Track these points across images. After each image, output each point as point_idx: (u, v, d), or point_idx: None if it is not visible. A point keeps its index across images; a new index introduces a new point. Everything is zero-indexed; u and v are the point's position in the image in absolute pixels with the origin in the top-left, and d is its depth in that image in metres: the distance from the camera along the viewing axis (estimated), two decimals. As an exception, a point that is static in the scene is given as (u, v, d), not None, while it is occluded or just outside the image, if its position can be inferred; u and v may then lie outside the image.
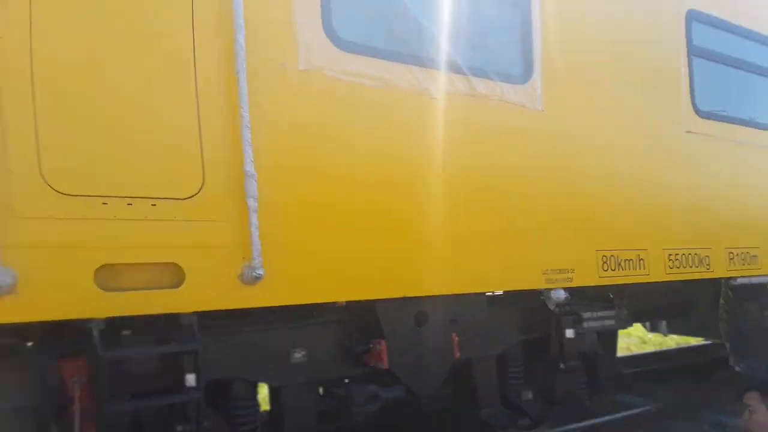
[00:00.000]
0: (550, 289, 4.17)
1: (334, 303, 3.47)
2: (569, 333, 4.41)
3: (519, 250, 3.94)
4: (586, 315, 4.63)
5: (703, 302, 5.91)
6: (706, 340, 6.91)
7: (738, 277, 5.30)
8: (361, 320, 3.63)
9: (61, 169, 2.50)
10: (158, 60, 2.74)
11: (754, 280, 5.45)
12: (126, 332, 2.83)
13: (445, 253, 3.61)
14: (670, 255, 4.72)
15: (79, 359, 2.78)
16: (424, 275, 3.55)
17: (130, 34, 2.68)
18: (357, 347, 3.63)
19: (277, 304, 3.08)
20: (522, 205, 3.97)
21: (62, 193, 2.50)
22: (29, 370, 2.76)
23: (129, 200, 2.63)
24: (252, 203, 2.88)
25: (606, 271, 4.33)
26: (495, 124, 3.88)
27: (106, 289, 2.59)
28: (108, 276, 2.61)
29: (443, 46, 3.69)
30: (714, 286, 5.60)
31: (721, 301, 5.81)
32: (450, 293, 3.74)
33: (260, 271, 2.88)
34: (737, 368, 5.95)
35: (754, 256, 5.36)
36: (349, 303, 3.49)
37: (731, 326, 5.84)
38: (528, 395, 4.50)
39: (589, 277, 4.26)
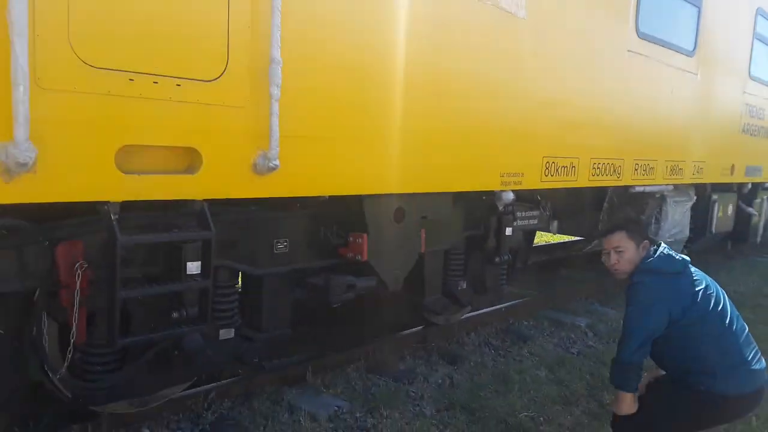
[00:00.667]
0: (502, 191, 4.51)
1: (317, 197, 3.48)
2: (508, 231, 4.85)
3: (482, 154, 4.12)
4: (519, 215, 5.09)
5: (591, 206, 6.68)
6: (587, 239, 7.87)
7: (636, 185, 6.06)
8: (341, 214, 3.69)
9: (90, 37, 2.25)
10: None
11: (647, 189, 6.27)
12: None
13: (422, 155, 3.71)
14: (594, 164, 5.25)
15: (77, 243, 2.59)
16: (405, 174, 3.66)
17: None
18: (336, 239, 3.72)
19: (286, 195, 3.04)
20: (488, 112, 4.14)
21: (89, 65, 2.25)
22: (24, 253, 2.55)
23: (155, 78, 2.41)
24: (275, 91, 2.74)
25: (546, 176, 4.72)
26: (487, 28, 3.95)
27: (124, 171, 2.41)
28: (127, 158, 2.44)
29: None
30: (601, 192, 6.36)
31: (606, 205, 6.59)
32: (424, 192, 3.92)
33: (276, 162, 2.80)
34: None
35: (652, 168, 6.12)
36: (331, 197, 3.52)
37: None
38: (462, 285, 4.94)
39: (534, 181, 4.60)
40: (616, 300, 6.53)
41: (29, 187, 2.18)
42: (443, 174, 3.90)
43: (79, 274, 2.58)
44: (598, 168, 5.26)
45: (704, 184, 7.47)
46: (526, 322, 5.90)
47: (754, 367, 2.87)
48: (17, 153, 2.06)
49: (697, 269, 3.03)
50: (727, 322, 2.88)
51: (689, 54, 6.37)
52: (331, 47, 3.10)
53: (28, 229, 2.56)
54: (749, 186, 8.74)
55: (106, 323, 2.67)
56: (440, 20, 3.68)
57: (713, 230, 7.80)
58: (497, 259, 4.84)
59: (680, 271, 2.96)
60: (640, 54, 5.59)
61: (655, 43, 5.77)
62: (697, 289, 2.88)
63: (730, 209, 8.28)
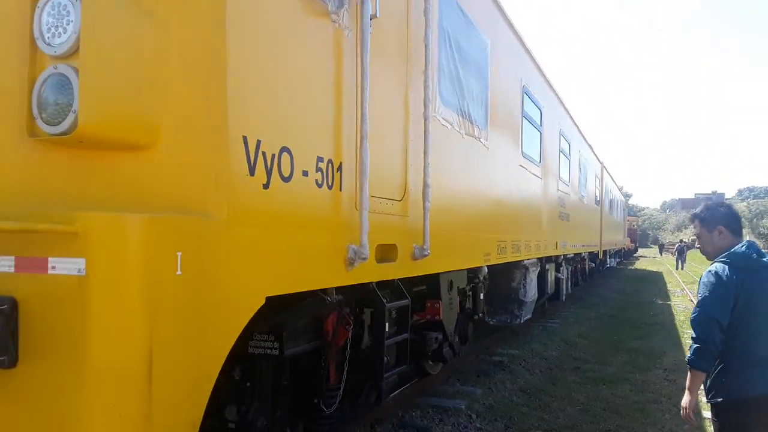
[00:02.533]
0: (482, 266, 6.39)
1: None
2: (481, 295, 6.75)
3: (477, 239, 6.07)
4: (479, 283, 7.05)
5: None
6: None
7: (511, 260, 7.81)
8: (419, 286, 5.29)
9: (379, 185, 3.72)
10: (398, 124, 4.04)
11: (522, 262, 8.61)
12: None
13: (458, 243, 5.49)
14: (500, 246, 7.11)
15: (341, 313, 3.79)
16: (454, 258, 5.39)
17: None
18: (417, 306, 5.31)
19: (431, 272, 4.59)
20: (477, 211, 6.11)
21: (374, 197, 3.59)
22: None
23: (381, 200, 3.75)
24: (427, 205, 4.23)
25: (498, 255, 6.74)
26: (472, 153, 5.92)
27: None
28: (376, 253, 3.66)
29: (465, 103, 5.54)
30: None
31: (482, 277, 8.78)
32: (459, 269, 5.79)
33: (428, 251, 4.20)
34: (491, 322, 9.04)
35: (522, 246, 8.33)
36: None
37: (486, 294, 8.32)
38: (455, 338, 6.61)
39: (494, 259, 6.60)
40: (469, 377, 7.85)
41: (348, 275, 3.33)
42: (465, 255, 5.67)
43: (346, 334, 3.80)
44: (503, 248, 7.40)
45: (541, 257, 10.25)
46: (414, 413, 6.23)
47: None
48: (362, 251, 3.29)
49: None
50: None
51: (538, 164, 9.15)
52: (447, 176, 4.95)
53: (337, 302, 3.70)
54: (561, 257, 11.98)
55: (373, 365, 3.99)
56: (463, 155, 5.52)
57: (548, 291, 10.67)
58: (476, 317, 6.69)
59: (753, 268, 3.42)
60: (522, 167, 8.10)
61: (527, 159, 8.35)
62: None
63: (553, 275, 11.32)
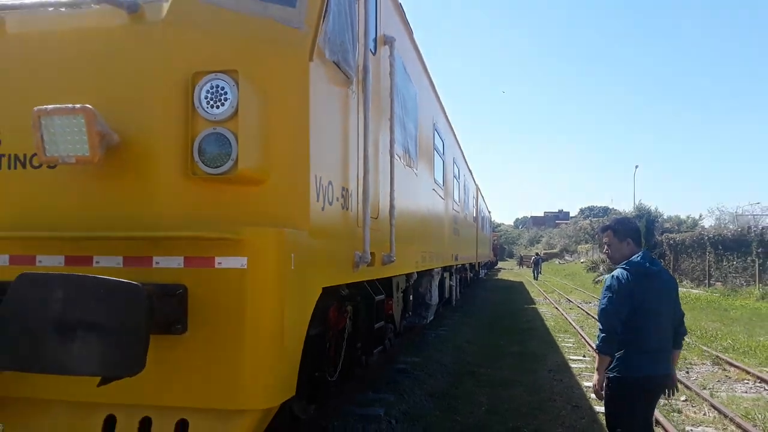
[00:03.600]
0: (413, 272, 7.51)
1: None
2: (410, 296, 7.93)
3: (415, 250, 7.10)
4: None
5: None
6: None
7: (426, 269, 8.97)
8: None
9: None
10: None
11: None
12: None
13: (406, 252, 6.49)
14: (429, 255, 8.00)
15: (340, 304, 4.76)
16: (404, 264, 6.47)
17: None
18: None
19: (392, 275, 6.05)
20: (415, 226, 7.04)
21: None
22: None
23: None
24: (393, 222, 5.37)
25: (422, 263, 7.48)
26: (410, 180, 6.92)
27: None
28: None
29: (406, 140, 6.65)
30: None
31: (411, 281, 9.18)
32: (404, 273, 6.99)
33: (394, 258, 5.29)
34: (404, 322, 9.33)
35: (425, 258, 9.07)
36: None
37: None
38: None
39: (420, 266, 7.67)
40: (380, 385, 8.01)
41: (366, 273, 4.59)
42: (408, 262, 6.69)
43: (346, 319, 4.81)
44: (424, 258, 7.86)
45: (443, 267, 10.80)
46: (336, 422, 6.14)
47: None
48: (366, 256, 4.32)
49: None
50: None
51: (442, 187, 9.94)
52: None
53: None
54: (454, 267, 12.65)
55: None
56: (406, 182, 6.61)
57: (446, 296, 11.24)
58: (407, 314, 7.25)
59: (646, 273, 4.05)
60: (434, 190, 9.10)
61: (437, 183, 9.25)
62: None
63: (448, 282, 11.90)
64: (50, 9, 3.38)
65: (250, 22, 3.40)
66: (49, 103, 3.09)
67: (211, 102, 3.21)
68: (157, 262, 3.13)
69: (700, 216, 39.15)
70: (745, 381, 9.07)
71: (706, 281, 28.00)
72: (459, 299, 16.10)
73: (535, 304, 22.51)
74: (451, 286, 12.52)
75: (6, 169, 3.38)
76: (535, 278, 42.39)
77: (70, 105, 3.03)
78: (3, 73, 3.41)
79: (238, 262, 3.05)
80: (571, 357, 10.87)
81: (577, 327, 15.01)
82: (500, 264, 75.53)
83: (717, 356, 10.66)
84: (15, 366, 2.75)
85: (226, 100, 3.17)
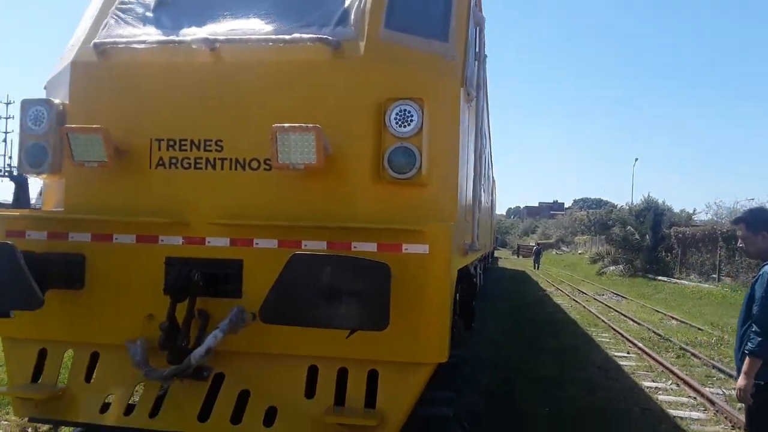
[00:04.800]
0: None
1: None
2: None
3: (483, 243, 7.01)
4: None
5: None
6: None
7: None
8: None
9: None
10: None
11: None
12: None
13: (480, 243, 6.52)
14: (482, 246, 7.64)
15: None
16: (480, 253, 7.08)
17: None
18: None
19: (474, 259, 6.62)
20: (484, 224, 7.15)
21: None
22: None
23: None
24: (476, 215, 5.50)
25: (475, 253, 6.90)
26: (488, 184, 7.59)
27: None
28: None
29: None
30: None
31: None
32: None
33: (477, 246, 5.60)
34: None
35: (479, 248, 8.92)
36: None
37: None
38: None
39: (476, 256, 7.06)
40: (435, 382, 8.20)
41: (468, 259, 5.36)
42: (483, 251, 6.56)
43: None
44: (479, 248, 7.38)
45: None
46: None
47: None
48: (475, 245, 5.11)
49: None
50: None
51: (487, 181, 9.71)
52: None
53: None
54: (482, 255, 12.08)
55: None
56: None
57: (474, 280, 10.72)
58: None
59: None
60: (485, 186, 8.93)
61: (487, 179, 9.18)
62: None
63: (479, 269, 11.27)
64: (263, 42, 4.10)
65: (425, 59, 4.20)
66: (262, 120, 3.92)
67: (400, 122, 3.96)
68: (354, 247, 3.86)
69: (694, 210, 38.77)
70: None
71: (716, 276, 27.63)
72: (483, 284, 15.52)
73: (549, 295, 22.03)
74: (478, 273, 11.96)
75: (228, 170, 4.06)
76: (536, 268, 42.01)
77: (304, 125, 3.76)
78: (219, 92, 4.09)
79: (421, 248, 3.80)
80: (615, 354, 10.33)
81: (607, 320, 14.50)
82: (497, 253, 75.18)
83: None
84: (292, 321, 3.54)
85: (411, 121, 3.95)
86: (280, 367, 3.96)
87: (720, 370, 8.97)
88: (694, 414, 6.75)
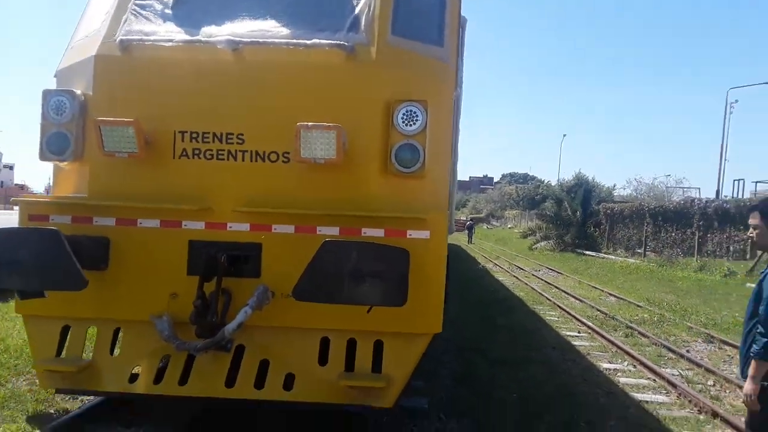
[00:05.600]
0: None
1: None
2: None
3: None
4: None
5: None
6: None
7: None
8: None
9: None
10: None
11: None
12: None
13: None
14: None
15: None
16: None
17: None
18: None
19: None
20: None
21: None
22: None
23: None
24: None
25: None
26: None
27: None
28: None
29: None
30: None
31: None
32: None
33: (453, 228, 5.96)
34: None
35: None
36: None
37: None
38: None
39: None
40: None
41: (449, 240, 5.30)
42: None
43: None
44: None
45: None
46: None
47: None
48: (452, 227, 5.20)
49: None
50: None
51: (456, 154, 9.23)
52: None
53: None
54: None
55: None
56: None
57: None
58: None
59: None
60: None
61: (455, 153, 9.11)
62: None
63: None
64: (281, 44, 4.44)
65: (427, 63, 4.68)
66: (281, 116, 4.31)
67: (406, 121, 4.40)
68: (364, 232, 4.33)
69: (614, 185, 40.97)
70: (750, 361, 8.94)
71: (642, 251, 28.97)
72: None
73: (489, 271, 22.35)
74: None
75: (249, 161, 4.40)
76: (470, 242, 42.81)
77: (325, 124, 4.16)
78: (241, 90, 4.40)
79: (423, 234, 4.33)
80: (567, 333, 10.48)
81: (550, 298, 14.79)
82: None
83: (708, 334, 10.56)
84: (325, 299, 4.00)
85: (417, 120, 4.40)
86: (295, 339, 4.42)
87: (669, 349, 9.24)
88: (659, 397, 6.84)
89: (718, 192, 34.30)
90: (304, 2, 4.70)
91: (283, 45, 4.40)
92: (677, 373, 7.78)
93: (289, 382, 4.35)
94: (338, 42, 4.36)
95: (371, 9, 4.52)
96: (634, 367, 8.21)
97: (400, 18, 4.60)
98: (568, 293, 16.00)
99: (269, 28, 4.50)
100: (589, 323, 11.18)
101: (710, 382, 7.53)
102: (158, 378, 4.36)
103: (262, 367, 4.39)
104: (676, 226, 26.95)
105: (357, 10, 4.54)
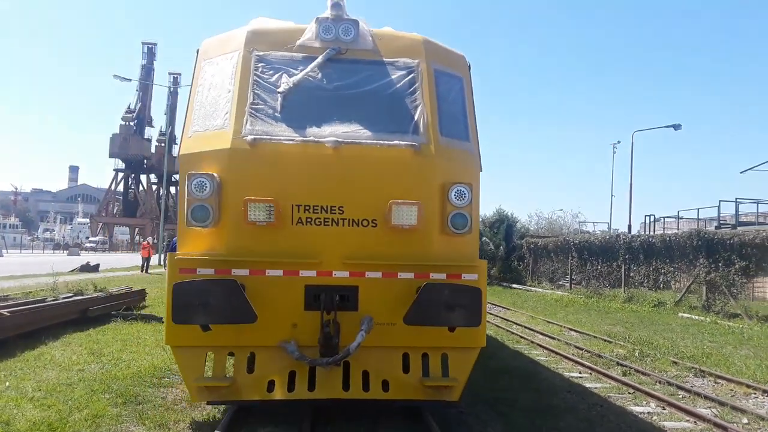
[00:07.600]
0: None
1: None
2: None
3: None
4: None
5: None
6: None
7: None
8: None
9: None
10: None
11: None
12: None
13: None
14: None
15: None
16: None
17: None
18: None
19: None
20: None
21: None
22: None
23: None
24: None
25: None
26: None
27: None
28: None
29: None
30: None
31: None
32: None
33: None
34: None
35: None
36: None
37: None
38: None
39: None
40: None
41: None
42: None
43: None
44: None
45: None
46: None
47: None
48: None
49: None
50: None
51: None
52: None
53: None
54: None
55: None
56: None
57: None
58: None
59: None
60: None
61: None
62: None
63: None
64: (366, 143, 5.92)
65: (466, 156, 6.34)
66: (371, 193, 5.86)
67: (458, 197, 5.96)
68: (432, 276, 5.86)
69: (518, 219, 43.22)
70: (753, 395, 9.15)
71: (568, 283, 30.06)
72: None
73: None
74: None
75: (347, 226, 5.87)
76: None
77: (410, 201, 5.72)
78: (342, 175, 5.86)
79: (473, 276, 5.98)
80: (571, 375, 10.30)
81: (521, 335, 14.68)
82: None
83: (698, 369, 10.75)
84: (428, 323, 5.67)
85: (465, 197, 5.97)
86: (385, 355, 5.91)
87: (679, 387, 9.28)
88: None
89: (629, 227, 36.50)
90: (375, 110, 6.12)
91: (371, 144, 5.85)
92: (710, 413, 7.76)
93: (385, 386, 5.87)
94: (411, 143, 5.91)
95: (425, 116, 6.09)
96: (663, 409, 8.11)
97: (443, 123, 6.22)
98: (532, 329, 16.02)
99: (355, 130, 5.93)
100: (584, 362, 11.11)
101: (745, 420, 7.56)
102: (290, 387, 5.73)
103: (365, 375, 5.86)
104: (602, 259, 28.26)
105: (416, 117, 6.10)
